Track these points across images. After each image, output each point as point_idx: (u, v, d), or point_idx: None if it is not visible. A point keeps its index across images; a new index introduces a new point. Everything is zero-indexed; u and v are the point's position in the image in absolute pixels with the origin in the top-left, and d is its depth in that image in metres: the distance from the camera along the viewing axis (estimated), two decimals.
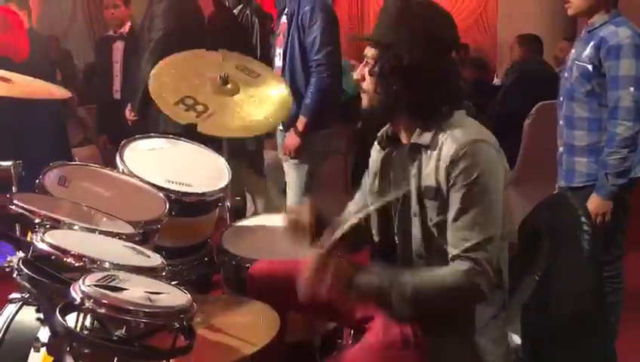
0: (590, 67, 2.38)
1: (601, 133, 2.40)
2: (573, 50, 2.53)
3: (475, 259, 1.48)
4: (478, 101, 5.67)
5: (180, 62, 2.63)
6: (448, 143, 1.54)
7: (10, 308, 1.67)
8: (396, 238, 1.69)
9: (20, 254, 1.55)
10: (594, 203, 2.37)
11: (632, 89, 2.29)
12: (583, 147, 2.46)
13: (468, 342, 1.58)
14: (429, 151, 1.58)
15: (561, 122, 2.56)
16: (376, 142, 1.76)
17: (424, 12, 1.61)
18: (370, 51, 1.64)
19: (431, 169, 1.57)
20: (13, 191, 2.13)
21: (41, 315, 1.47)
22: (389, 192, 1.70)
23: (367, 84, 1.65)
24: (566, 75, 2.53)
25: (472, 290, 1.49)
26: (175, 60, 2.63)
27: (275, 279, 1.83)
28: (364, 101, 1.68)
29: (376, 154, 1.77)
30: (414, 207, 1.61)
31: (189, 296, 1.39)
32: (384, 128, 1.75)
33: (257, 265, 1.93)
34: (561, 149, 2.58)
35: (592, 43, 2.39)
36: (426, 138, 1.59)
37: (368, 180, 1.79)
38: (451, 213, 1.53)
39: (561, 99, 2.55)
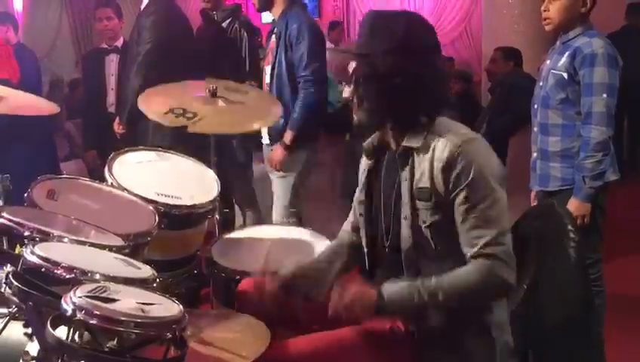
0: (565, 75, 2.44)
1: (574, 139, 2.45)
2: (547, 61, 2.60)
3: (495, 254, 1.49)
4: (464, 115, 5.70)
5: (166, 88, 2.66)
6: (441, 145, 1.55)
7: None
8: (386, 245, 1.68)
9: (9, 268, 1.54)
10: (573, 205, 2.41)
11: (604, 95, 2.36)
12: (556, 152, 2.51)
13: (455, 341, 1.58)
14: (420, 154, 1.59)
15: (535, 129, 2.61)
16: (363, 153, 1.77)
17: (399, 22, 1.61)
18: (351, 66, 1.65)
19: (424, 171, 1.57)
20: (0, 204, 2.11)
21: (29, 330, 1.45)
22: (377, 201, 1.70)
23: (355, 101, 1.66)
24: (541, 83, 2.60)
25: (499, 285, 1.51)
26: (161, 88, 2.67)
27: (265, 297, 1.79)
28: (355, 118, 1.68)
29: (364, 164, 1.78)
30: (405, 210, 1.61)
31: (180, 306, 1.39)
32: (370, 137, 1.76)
33: (245, 283, 1.89)
34: (534, 155, 2.63)
35: (567, 53, 2.45)
36: (417, 141, 1.60)
37: (357, 191, 1.80)
38: (459, 214, 1.53)
39: (536, 106, 2.61)
